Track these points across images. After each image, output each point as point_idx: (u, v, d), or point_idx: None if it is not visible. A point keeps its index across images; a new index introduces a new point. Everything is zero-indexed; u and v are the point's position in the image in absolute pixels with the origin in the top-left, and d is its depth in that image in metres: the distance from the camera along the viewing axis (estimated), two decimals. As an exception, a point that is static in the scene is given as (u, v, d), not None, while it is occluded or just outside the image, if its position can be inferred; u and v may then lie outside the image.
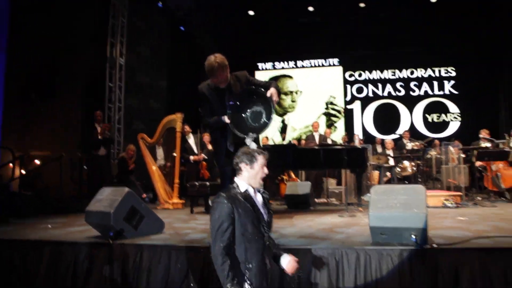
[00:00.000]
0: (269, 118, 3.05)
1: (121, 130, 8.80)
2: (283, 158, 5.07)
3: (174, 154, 7.22)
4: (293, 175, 8.85)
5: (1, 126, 11.55)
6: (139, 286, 3.05)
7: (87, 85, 9.17)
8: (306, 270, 2.73)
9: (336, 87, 13.04)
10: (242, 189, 2.19)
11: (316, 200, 7.48)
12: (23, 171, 13.37)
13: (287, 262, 2.18)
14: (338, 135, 11.98)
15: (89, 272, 3.18)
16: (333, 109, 13.02)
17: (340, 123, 12.87)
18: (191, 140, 7.48)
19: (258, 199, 2.24)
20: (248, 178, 2.21)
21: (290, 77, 13.54)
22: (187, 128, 7.40)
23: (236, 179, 2.26)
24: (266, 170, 2.25)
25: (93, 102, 9.00)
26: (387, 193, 2.85)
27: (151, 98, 10.96)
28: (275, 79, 13.44)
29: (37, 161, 11.20)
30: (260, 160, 2.23)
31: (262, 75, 13.35)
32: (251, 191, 2.20)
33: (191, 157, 7.28)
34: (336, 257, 2.72)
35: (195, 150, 7.40)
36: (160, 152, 8.02)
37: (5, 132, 12.00)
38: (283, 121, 13.40)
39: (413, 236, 2.70)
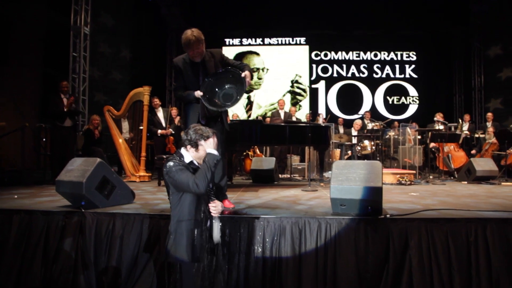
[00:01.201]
0: (239, 98, 3.26)
1: (86, 102, 8.58)
2: (250, 134, 5.24)
3: (141, 127, 7.20)
4: (258, 151, 9.08)
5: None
6: (112, 253, 3.16)
7: (46, 54, 8.80)
8: (272, 238, 2.96)
9: (302, 66, 13.26)
10: (187, 161, 2.43)
11: (280, 175, 7.78)
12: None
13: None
14: (302, 114, 12.29)
15: (61, 241, 3.25)
16: (298, 87, 13.26)
17: (305, 102, 13.17)
18: (160, 113, 7.48)
19: None
20: (196, 155, 2.45)
21: (257, 54, 13.58)
22: (156, 101, 7.37)
23: (183, 150, 2.47)
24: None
25: (53, 72, 8.68)
26: (348, 168, 3.11)
27: (114, 69, 10.69)
28: (242, 55, 13.45)
29: None
30: (212, 144, 2.44)
31: (229, 51, 13.30)
32: (196, 165, 2.46)
33: (159, 131, 7.29)
34: (299, 226, 2.96)
35: (163, 124, 7.41)
36: (125, 125, 7.94)
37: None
38: (249, 98, 13.50)
39: (369, 208, 2.99)
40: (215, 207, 2.46)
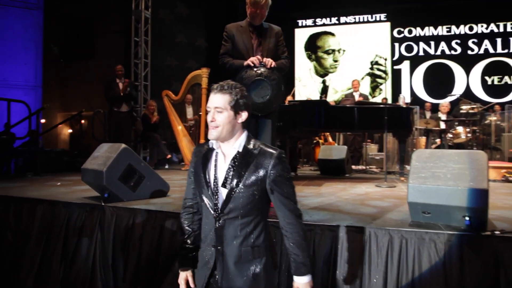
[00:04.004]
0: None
1: (148, 87, 8.42)
2: (312, 117, 4.43)
3: (200, 113, 6.79)
4: (330, 139, 8.19)
5: (41, 87, 11.72)
6: (130, 256, 2.66)
7: (125, 43, 8.89)
8: (323, 254, 2.18)
9: (382, 45, 11.85)
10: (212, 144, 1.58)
11: (353, 166, 6.84)
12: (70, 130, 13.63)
13: None
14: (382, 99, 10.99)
15: (80, 237, 2.84)
16: (378, 69, 11.92)
17: (386, 85, 11.78)
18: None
19: (221, 158, 1.54)
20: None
21: (332, 34, 12.48)
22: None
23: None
24: (209, 116, 1.51)
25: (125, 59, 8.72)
26: (435, 159, 2.17)
27: (190, 58, 10.57)
28: (316, 37, 12.49)
29: (83, 121, 11.33)
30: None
31: (301, 33, 12.43)
32: (214, 144, 1.55)
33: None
34: (362, 238, 2.13)
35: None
36: (190, 111, 7.61)
37: (46, 92, 12.20)
38: (323, 82, 12.51)
39: (467, 218, 2.05)
40: None
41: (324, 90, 12.46)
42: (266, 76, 2.75)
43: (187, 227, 1.62)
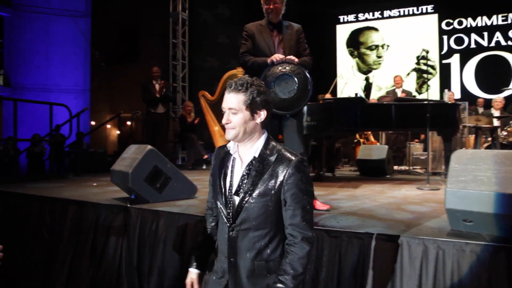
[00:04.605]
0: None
1: (186, 88, 8.51)
2: (347, 116, 4.20)
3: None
4: (371, 138, 7.85)
5: (89, 90, 12.30)
6: (154, 259, 2.62)
7: (166, 45, 9.11)
8: (350, 264, 2.00)
9: (429, 38, 11.20)
10: (232, 146, 1.47)
11: (395, 167, 6.49)
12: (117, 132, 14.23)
13: None
14: (432, 95, 10.33)
15: (108, 238, 2.85)
16: (425, 64, 11.27)
17: (434, 81, 11.12)
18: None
19: (237, 163, 1.44)
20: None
21: (375, 29, 12.00)
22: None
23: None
24: (224, 118, 1.39)
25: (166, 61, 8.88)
26: (477, 161, 1.92)
27: (232, 59, 10.63)
28: (358, 32, 12.07)
29: (128, 122, 11.76)
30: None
31: (343, 29, 12.07)
32: (232, 148, 1.46)
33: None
34: (393, 249, 1.93)
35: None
36: (227, 111, 7.60)
37: (94, 95, 12.79)
38: (367, 79, 12.07)
39: (517, 228, 1.79)
40: None
41: (368, 87, 12.02)
42: (291, 71, 2.62)
43: (208, 227, 1.58)
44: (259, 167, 1.34)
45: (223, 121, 1.38)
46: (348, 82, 11.84)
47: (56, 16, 11.31)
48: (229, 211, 1.36)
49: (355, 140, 8.18)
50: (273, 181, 1.32)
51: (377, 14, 11.94)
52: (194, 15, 9.51)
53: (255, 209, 1.32)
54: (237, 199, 1.35)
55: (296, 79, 2.62)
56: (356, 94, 7.32)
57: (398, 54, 11.62)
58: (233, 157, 1.42)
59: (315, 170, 5.20)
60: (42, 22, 11.29)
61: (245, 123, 1.34)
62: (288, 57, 2.70)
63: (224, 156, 1.46)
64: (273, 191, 1.32)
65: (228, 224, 1.36)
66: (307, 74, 2.68)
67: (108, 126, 15.14)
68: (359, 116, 4.20)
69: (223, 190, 1.39)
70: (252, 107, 1.35)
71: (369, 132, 7.79)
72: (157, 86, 6.35)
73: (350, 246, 2.03)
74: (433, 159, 6.21)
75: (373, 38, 12.00)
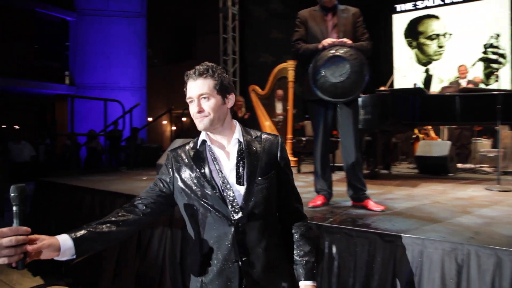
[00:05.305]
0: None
1: (237, 84, 8.49)
2: (405, 108, 3.87)
3: (288, 107, 6.58)
4: (432, 133, 7.32)
5: (146, 88, 12.79)
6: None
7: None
8: (406, 274, 1.78)
9: (499, 23, 10.21)
10: (199, 142, 1.33)
11: (459, 165, 5.97)
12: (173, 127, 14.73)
13: None
14: (503, 87, 9.42)
15: (153, 229, 2.84)
16: (494, 53, 10.32)
17: (505, 71, 10.13)
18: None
19: (221, 154, 1.30)
20: None
21: (436, 17, 11.21)
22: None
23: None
24: (193, 107, 1.26)
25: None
26: None
27: (285, 54, 10.52)
28: (417, 22, 11.36)
29: (184, 119, 12.06)
30: (187, 88, 1.29)
31: (401, 19, 11.42)
32: (200, 143, 1.32)
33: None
34: (457, 259, 1.68)
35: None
36: (279, 106, 7.46)
37: (151, 92, 13.28)
38: (426, 71, 11.33)
39: None
40: None
41: (428, 80, 11.29)
42: (343, 53, 2.40)
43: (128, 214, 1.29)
44: (251, 150, 1.28)
45: (193, 111, 1.25)
46: (406, 75, 11.22)
47: (114, 18, 11.85)
48: (233, 205, 1.22)
49: (414, 136, 7.69)
50: (270, 159, 1.30)
51: (437, 1, 11.16)
52: (247, 11, 9.47)
53: (263, 191, 1.25)
54: (241, 188, 1.24)
55: (348, 61, 2.38)
56: (415, 84, 6.83)
57: (462, 43, 10.77)
58: (210, 151, 1.29)
59: (370, 167, 4.91)
60: (102, 24, 11.89)
61: (219, 108, 1.26)
62: (340, 39, 2.49)
63: (195, 153, 1.30)
64: (272, 169, 1.30)
65: (232, 220, 1.21)
66: (363, 57, 2.43)
67: (164, 122, 15.65)
68: (418, 108, 3.84)
69: (216, 187, 1.24)
70: (223, 91, 1.27)
71: (429, 127, 7.28)
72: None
73: (406, 252, 1.80)
74: (504, 156, 5.62)
75: (434, 27, 11.24)
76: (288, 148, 6.48)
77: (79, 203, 3.57)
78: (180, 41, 15.49)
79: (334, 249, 2.00)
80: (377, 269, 1.84)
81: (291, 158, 6.36)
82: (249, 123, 7.27)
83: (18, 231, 0.98)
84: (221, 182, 1.25)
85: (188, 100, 1.27)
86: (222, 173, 1.26)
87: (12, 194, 1.00)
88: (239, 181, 1.24)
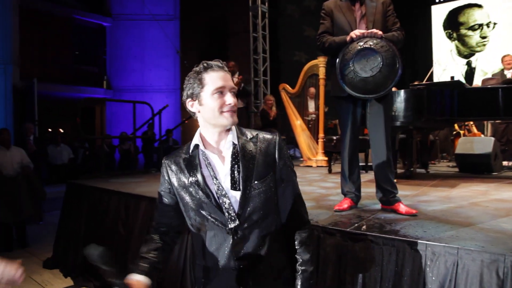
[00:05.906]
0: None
1: (268, 82, 8.38)
2: (442, 103, 3.59)
3: (320, 105, 6.42)
4: (474, 129, 6.88)
5: (180, 89, 12.97)
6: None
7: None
8: (439, 285, 1.59)
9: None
10: (191, 147, 1.23)
11: (505, 163, 5.57)
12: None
13: None
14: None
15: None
16: (545, 42, 9.61)
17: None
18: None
19: (215, 159, 1.21)
20: (203, 122, 1.23)
21: (478, 6, 10.56)
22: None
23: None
24: (229, 98, 1.18)
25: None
26: None
27: (319, 52, 10.34)
28: (457, 11, 10.77)
29: None
30: (210, 78, 1.21)
31: (439, 10, 10.88)
32: (192, 148, 1.24)
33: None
34: (499, 271, 1.48)
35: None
36: (312, 104, 7.29)
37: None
38: (468, 64, 10.71)
39: None
40: None
41: (470, 73, 10.67)
42: (373, 45, 2.22)
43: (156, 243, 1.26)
44: (246, 152, 1.19)
45: (228, 102, 1.17)
46: (446, 68, 10.65)
47: (148, 21, 12.09)
48: (229, 212, 1.15)
49: (454, 132, 7.27)
50: (266, 160, 1.20)
51: (481, -11, 10.52)
52: (279, 10, 9.36)
53: (261, 196, 1.17)
54: (237, 194, 1.15)
55: (379, 54, 2.20)
56: (452, 77, 6.42)
57: (508, 32, 10.08)
58: (204, 155, 1.20)
59: (405, 166, 4.65)
60: (137, 28, 12.18)
61: None
62: (370, 30, 2.30)
63: (188, 160, 1.22)
64: (270, 171, 1.20)
65: (230, 227, 1.14)
66: (395, 48, 2.24)
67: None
68: (456, 103, 3.56)
69: (210, 194, 1.16)
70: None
71: (471, 123, 6.84)
72: (234, 81, 6.29)
73: (438, 263, 1.62)
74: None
75: (476, 17, 10.60)
76: (320, 147, 6.29)
77: (105, 206, 3.60)
78: (212, 41, 15.61)
79: (358, 258, 1.84)
80: (405, 281, 1.67)
81: (322, 157, 6.17)
82: (280, 122, 7.16)
83: None
84: (216, 189, 1.17)
85: (216, 91, 1.17)
86: (216, 179, 1.17)
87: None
88: (234, 186, 1.15)
